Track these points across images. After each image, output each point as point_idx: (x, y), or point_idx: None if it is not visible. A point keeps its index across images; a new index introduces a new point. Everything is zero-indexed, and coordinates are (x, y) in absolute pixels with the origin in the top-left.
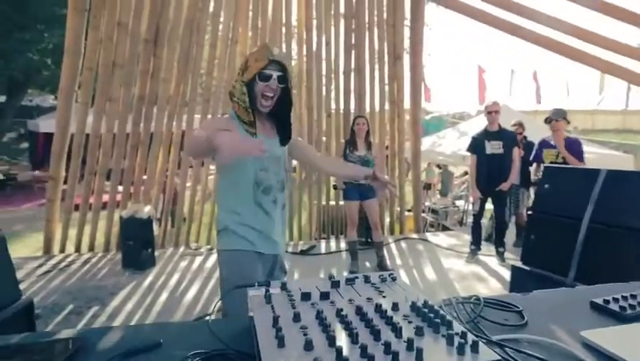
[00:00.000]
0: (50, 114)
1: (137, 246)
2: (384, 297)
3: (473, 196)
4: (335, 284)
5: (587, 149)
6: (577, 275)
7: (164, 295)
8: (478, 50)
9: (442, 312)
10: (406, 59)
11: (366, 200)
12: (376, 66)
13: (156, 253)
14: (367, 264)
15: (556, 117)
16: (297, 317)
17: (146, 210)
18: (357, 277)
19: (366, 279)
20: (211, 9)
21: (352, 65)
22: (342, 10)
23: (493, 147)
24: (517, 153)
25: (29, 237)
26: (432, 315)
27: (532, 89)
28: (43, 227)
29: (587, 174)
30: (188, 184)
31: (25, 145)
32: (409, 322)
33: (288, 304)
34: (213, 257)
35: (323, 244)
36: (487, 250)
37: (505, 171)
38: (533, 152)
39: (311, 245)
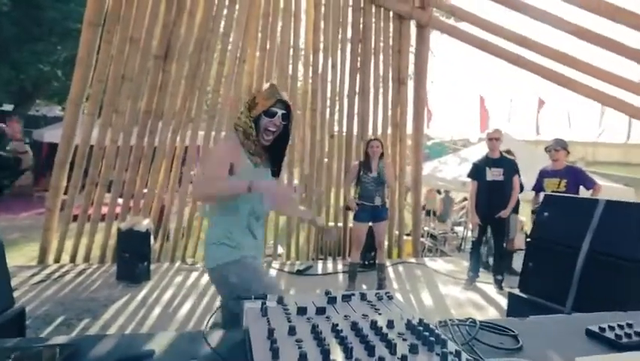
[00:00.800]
0: (56, 125)
1: (133, 259)
2: (379, 314)
3: (472, 222)
4: (331, 300)
5: None
6: (574, 304)
7: (157, 310)
8: (480, 79)
9: (437, 331)
10: (410, 85)
11: (377, 222)
12: (380, 90)
13: (152, 267)
14: (364, 286)
15: (556, 147)
16: (292, 331)
17: (145, 223)
18: (353, 294)
19: (363, 296)
20: (221, 29)
21: (357, 89)
22: (349, 35)
23: (494, 174)
24: (517, 180)
25: (25, 246)
26: (427, 333)
27: (533, 119)
28: (40, 236)
29: (586, 203)
30: (188, 199)
31: None
32: (404, 339)
33: (284, 317)
34: None
35: (320, 264)
36: (485, 277)
37: (505, 199)
38: (534, 181)
39: (307, 265)
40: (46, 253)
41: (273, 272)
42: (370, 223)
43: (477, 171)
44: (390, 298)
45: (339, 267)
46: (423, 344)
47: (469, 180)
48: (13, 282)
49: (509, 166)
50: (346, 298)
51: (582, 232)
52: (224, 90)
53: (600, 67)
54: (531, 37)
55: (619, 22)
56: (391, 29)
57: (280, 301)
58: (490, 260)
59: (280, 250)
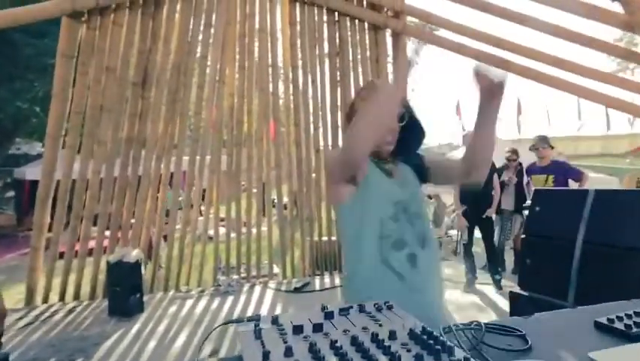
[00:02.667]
0: (37, 162)
1: (124, 291)
2: (380, 326)
3: (460, 226)
4: (328, 315)
5: None
6: (576, 297)
7: (152, 343)
8: (459, 83)
9: (442, 338)
10: None
11: None
12: None
13: (145, 298)
14: None
15: (543, 145)
16: (288, 352)
17: (134, 253)
18: (351, 307)
19: (361, 308)
20: (198, 53)
21: (339, 102)
22: (326, 50)
23: None
24: (496, 180)
25: (10, 288)
26: (431, 342)
27: (514, 119)
28: (26, 277)
29: (576, 194)
30: (178, 226)
31: (11, 194)
32: (408, 350)
33: (280, 338)
34: (204, 300)
35: (317, 280)
36: (485, 278)
37: (490, 198)
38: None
39: (304, 282)
40: (33, 294)
41: (269, 293)
42: None
43: None
44: (390, 307)
45: (337, 281)
46: (428, 354)
47: None
48: None
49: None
50: (344, 311)
51: (575, 223)
52: (205, 113)
53: (575, 61)
54: (506, 38)
55: (591, 18)
56: (367, 40)
57: (275, 321)
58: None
59: (276, 269)
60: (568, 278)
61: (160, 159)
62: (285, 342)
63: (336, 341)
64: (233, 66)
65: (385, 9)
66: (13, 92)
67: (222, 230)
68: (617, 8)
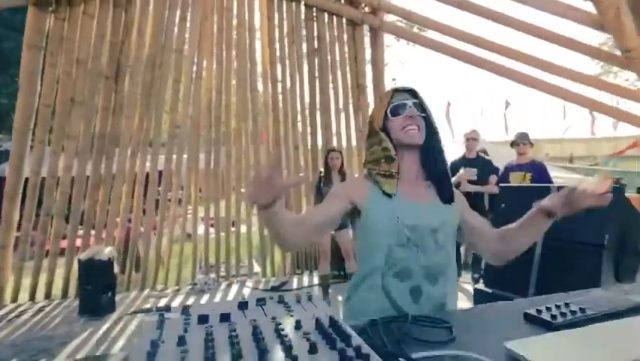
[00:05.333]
0: None
1: (95, 290)
2: (291, 316)
3: None
4: (242, 306)
5: (558, 174)
6: (535, 293)
7: (119, 344)
8: (448, 84)
9: (344, 327)
10: (371, 92)
11: (338, 230)
12: (340, 99)
13: (118, 297)
14: (339, 298)
15: (523, 140)
16: (181, 341)
17: (107, 251)
18: (271, 298)
19: (280, 299)
20: (173, 46)
21: (317, 99)
22: (305, 46)
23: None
24: (493, 180)
25: None
26: (331, 330)
27: (501, 122)
28: None
29: (539, 191)
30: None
31: None
32: (308, 340)
33: (181, 328)
34: (178, 299)
35: (296, 279)
36: (465, 278)
37: (480, 199)
38: (499, 175)
39: (282, 281)
40: (1, 294)
41: (246, 291)
42: (332, 232)
43: (454, 171)
44: (310, 298)
45: (315, 280)
46: (326, 343)
47: None
48: None
49: (484, 166)
50: (261, 302)
51: None
52: (182, 108)
53: (558, 63)
54: (486, 37)
55: (567, 18)
56: (345, 37)
57: (185, 311)
58: (470, 260)
59: (256, 268)
60: (529, 275)
61: (135, 155)
62: (186, 331)
63: (234, 330)
64: (211, 61)
65: (363, 5)
66: None
67: (203, 229)
68: (590, 8)
